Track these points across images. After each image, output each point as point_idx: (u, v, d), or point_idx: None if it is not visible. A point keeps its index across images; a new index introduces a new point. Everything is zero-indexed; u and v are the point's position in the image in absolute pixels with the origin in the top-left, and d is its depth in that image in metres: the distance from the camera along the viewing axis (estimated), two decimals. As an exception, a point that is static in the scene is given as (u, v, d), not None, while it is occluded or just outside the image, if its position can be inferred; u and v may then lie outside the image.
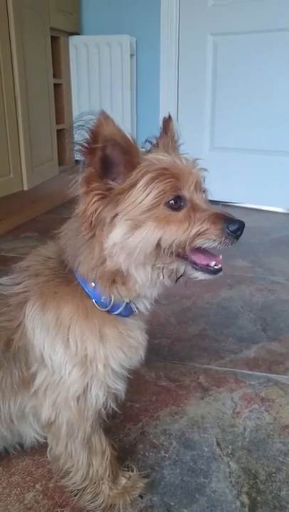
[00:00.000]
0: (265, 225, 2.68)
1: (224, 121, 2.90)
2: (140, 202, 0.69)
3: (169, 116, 0.84)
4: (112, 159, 0.69)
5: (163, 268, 0.74)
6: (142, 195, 0.69)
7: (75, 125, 0.68)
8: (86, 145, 0.67)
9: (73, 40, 2.91)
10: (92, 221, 0.70)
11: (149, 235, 0.70)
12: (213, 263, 0.75)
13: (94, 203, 0.69)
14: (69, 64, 2.95)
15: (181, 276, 0.77)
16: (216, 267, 0.76)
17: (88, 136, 0.67)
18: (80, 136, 0.67)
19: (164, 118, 0.84)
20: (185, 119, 3.01)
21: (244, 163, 2.88)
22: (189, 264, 0.75)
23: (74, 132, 0.68)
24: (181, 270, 0.76)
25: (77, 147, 0.68)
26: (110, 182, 0.70)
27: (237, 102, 2.82)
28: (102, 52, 2.86)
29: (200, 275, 0.76)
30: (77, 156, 0.70)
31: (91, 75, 2.94)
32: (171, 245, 0.71)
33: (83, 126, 0.67)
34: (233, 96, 2.82)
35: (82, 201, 0.70)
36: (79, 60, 2.93)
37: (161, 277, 0.75)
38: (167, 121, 0.84)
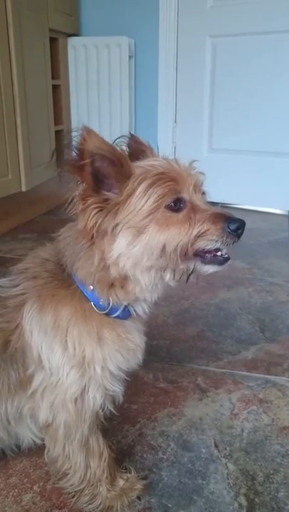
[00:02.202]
0: (264, 226, 2.68)
1: (223, 123, 2.90)
2: (140, 208, 0.70)
3: (130, 133, 0.85)
4: (103, 172, 0.69)
5: (174, 270, 0.75)
6: (141, 201, 0.70)
7: (64, 144, 0.68)
8: (74, 163, 0.67)
9: (72, 41, 2.91)
10: (92, 234, 0.70)
11: (152, 239, 0.70)
12: (219, 252, 0.75)
13: (93, 216, 0.69)
14: (68, 65, 2.95)
15: (192, 273, 0.77)
16: (224, 256, 0.76)
17: (75, 154, 0.67)
18: (68, 154, 0.68)
19: (127, 136, 0.84)
20: (183, 120, 3.01)
21: (242, 164, 2.89)
22: (198, 259, 0.76)
23: (66, 151, 0.68)
24: (191, 267, 0.76)
25: (66, 166, 0.68)
26: (106, 193, 0.70)
27: (235, 104, 2.82)
28: (100, 54, 2.87)
29: (210, 268, 0.76)
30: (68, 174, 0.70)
31: (90, 76, 2.94)
32: (175, 249, 0.71)
33: (69, 144, 0.67)
34: (232, 98, 2.82)
35: (81, 218, 0.70)
36: (78, 61, 2.93)
37: (172, 278, 0.76)
38: (133, 137, 0.84)
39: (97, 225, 0.70)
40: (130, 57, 2.91)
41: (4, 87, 2.19)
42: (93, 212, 0.69)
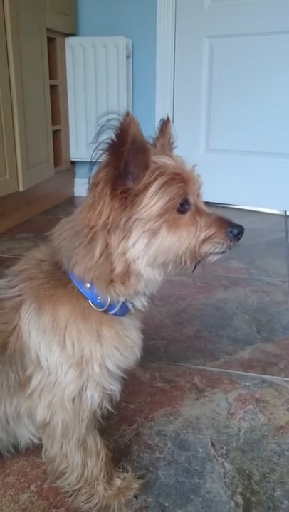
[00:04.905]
0: (260, 226, 2.69)
1: (220, 123, 2.91)
2: (153, 205, 0.70)
3: (167, 118, 0.85)
4: (132, 160, 0.68)
5: (184, 266, 0.77)
6: (155, 198, 0.70)
7: (99, 125, 0.65)
8: (113, 146, 0.65)
9: (70, 41, 2.91)
10: (102, 224, 0.69)
11: (164, 242, 0.72)
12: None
13: (118, 207, 0.68)
14: (65, 65, 2.94)
15: (199, 262, 0.79)
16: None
17: (115, 137, 0.65)
18: (103, 136, 0.65)
19: (162, 120, 0.85)
20: (181, 120, 3.01)
21: (239, 165, 2.89)
22: None
23: (100, 132, 0.65)
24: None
25: (102, 147, 0.66)
26: (128, 182, 0.69)
27: (233, 104, 2.83)
28: (98, 54, 2.87)
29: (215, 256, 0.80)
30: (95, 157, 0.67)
31: (87, 76, 2.94)
32: (185, 251, 0.74)
33: (105, 126, 0.65)
34: (229, 98, 2.83)
35: (104, 205, 0.68)
36: (75, 61, 2.93)
37: (187, 268, 0.78)
38: (165, 123, 0.85)
39: (114, 216, 0.68)
40: (128, 57, 2.91)
41: (2, 86, 2.19)
42: (119, 203, 0.68)
